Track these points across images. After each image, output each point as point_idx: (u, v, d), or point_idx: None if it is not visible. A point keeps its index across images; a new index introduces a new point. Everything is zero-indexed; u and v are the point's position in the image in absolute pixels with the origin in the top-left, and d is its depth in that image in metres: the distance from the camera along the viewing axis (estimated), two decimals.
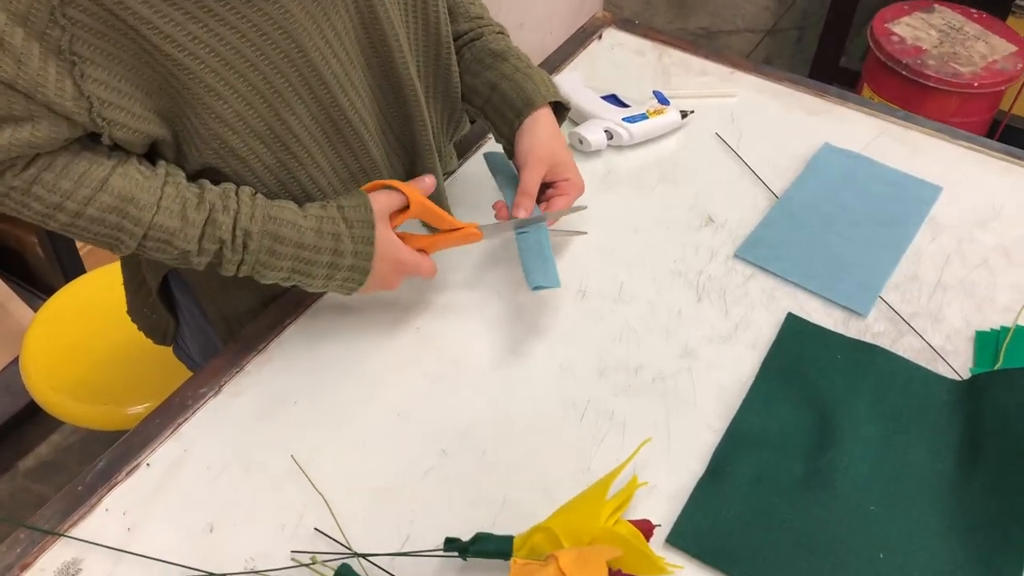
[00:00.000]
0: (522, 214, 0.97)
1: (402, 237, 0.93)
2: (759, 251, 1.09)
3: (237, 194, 0.86)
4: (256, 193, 0.87)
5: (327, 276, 0.89)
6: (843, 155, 1.21)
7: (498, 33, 1.09)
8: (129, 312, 1.19)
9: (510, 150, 1.04)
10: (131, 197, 0.82)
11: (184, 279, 1.04)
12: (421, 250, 0.94)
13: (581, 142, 1.20)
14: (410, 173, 1.02)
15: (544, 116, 1.02)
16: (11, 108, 0.74)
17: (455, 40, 1.06)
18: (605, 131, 1.20)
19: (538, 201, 1.01)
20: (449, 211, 1.08)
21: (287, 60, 0.83)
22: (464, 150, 1.22)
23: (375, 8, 0.88)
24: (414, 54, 0.97)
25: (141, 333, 1.48)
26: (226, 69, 0.80)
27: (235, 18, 0.79)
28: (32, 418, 1.84)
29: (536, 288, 0.92)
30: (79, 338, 1.48)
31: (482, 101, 1.06)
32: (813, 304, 1.03)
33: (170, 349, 1.27)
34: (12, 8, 0.72)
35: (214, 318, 1.04)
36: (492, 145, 1.22)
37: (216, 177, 0.87)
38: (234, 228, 0.85)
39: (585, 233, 1.06)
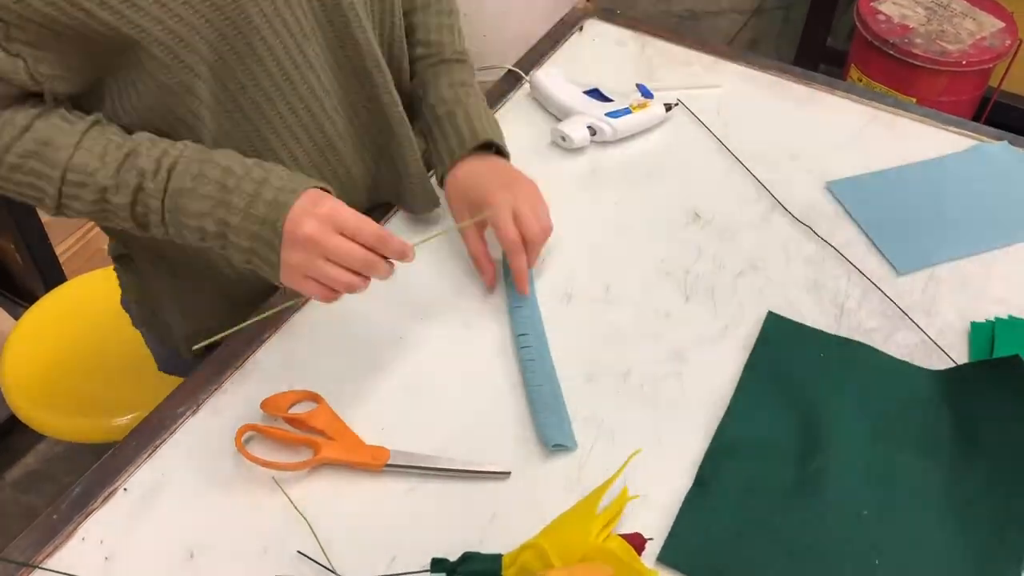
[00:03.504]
0: (524, 279, 0.96)
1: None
2: (850, 190, 1.12)
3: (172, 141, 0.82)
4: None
5: (241, 227, 0.80)
6: (1012, 156, 1.19)
7: (433, 66, 1.04)
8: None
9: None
10: (49, 140, 0.79)
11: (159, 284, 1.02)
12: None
13: (564, 139, 1.17)
14: (381, 148, 1.00)
15: (460, 169, 0.99)
16: None
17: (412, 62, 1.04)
18: (588, 127, 1.18)
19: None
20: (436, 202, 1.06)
21: (233, 29, 0.81)
22: None
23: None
24: (373, 26, 0.94)
25: (123, 342, 1.46)
26: (185, 41, 0.78)
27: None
28: (18, 428, 1.81)
29: (555, 447, 0.86)
30: (60, 349, 1.45)
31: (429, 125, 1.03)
32: (805, 300, 1.00)
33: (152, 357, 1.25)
34: None
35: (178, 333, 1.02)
36: None
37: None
38: (160, 157, 0.80)
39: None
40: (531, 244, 0.95)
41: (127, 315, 1.27)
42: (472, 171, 0.99)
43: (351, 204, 0.84)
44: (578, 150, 1.19)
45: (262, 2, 0.82)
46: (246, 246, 0.81)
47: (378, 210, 1.08)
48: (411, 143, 1.00)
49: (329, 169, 0.97)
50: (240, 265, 0.84)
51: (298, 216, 0.79)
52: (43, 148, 0.79)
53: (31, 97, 0.81)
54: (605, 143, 1.20)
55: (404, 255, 0.82)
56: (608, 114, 1.18)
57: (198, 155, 0.81)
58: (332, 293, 0.82)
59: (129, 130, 0.84)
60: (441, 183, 1.02)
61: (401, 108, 0.98)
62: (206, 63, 0.81)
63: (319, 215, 0.79)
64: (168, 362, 1.18)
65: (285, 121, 0.90)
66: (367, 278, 0.82)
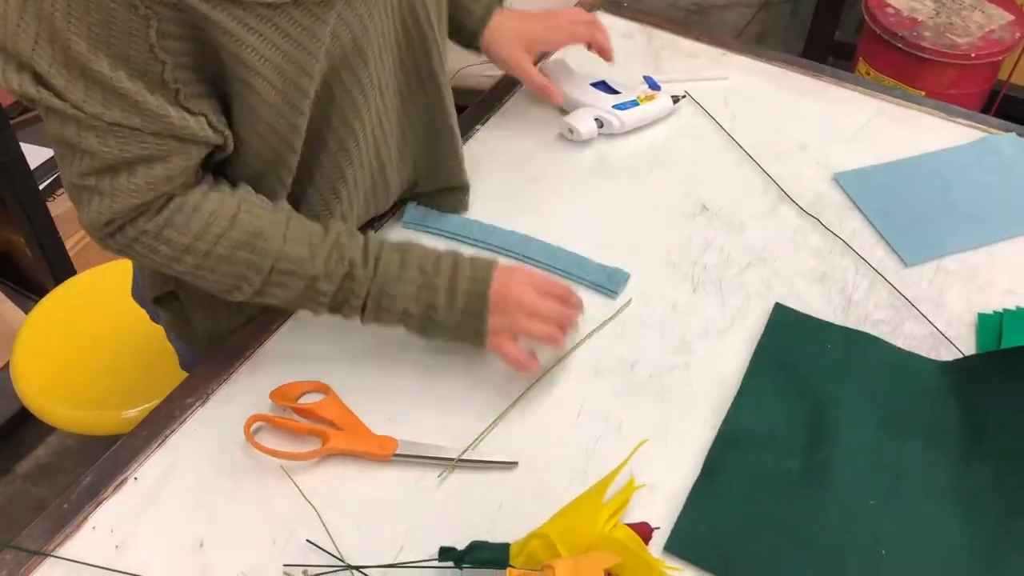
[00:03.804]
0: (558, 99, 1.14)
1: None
2: (858, 182, 1.13)
3: (359, 230, 0.88)
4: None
5: (448, 305, 0.86)
6: (1020, 149, 1.18)
7: None
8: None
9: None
10: (259, 231, 0.83)
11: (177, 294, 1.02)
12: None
13: (571, 131, 1.17)
14: (431, 153, 1.02)
15: (498, 18, 1.11)
16: (143, 148, 0.75)
17: None
18: (595, 119, 1.18)
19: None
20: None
21: (346, 69, 0.84)
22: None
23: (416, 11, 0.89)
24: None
25: (133, 334, 1.47)
26: (287, 84, 0.79)
27: (296, 30, 0.76)
28: (29, 421, 1.82)
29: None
30: (70, 341, 1.46)
31: None
32: (812, 291, 1.00)
33: (163, 350, 1.25)
34: (112, 52, 0.70)
35: (200, 336, 1.03)
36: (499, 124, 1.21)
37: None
38: (365, 247, 0.85)
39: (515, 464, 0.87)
40: (599, 30, 1.17)
41: (136, 309, 1.27)
42: (508, 16, 1.13)
43: (379, 211, 0.98)
44: (585, 142, 1.19)
45: (372, 36, 0.84)
46: (454, 322, 0.87)
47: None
48: (458, 152, 1.03)
49: (375, 189, 0.99)
50: (442, 341, 0.89)
51: (499, 284, 0.87)
52: (254, 240, 0.82)
53: (207, 174, 0.84)
54: (613, 135, 1.20)
55: (582, 308, 0.92)
56: (616, 106, 1.18)
57: (396, 245, 0.87)
58: (533, 360, 0.88)
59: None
60: (475, 39, 1.12)
61: (454, 113, 1.01)
62: (315, 91, 0.83)
63: (518, 279, 0.88)
64: (192, 363, 1.19)
65: (358, 147, 0.91)
66: (563, 332, 0.89)
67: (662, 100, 1.21)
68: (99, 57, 0.70)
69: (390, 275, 0.85)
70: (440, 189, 1.07)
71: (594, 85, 1.21)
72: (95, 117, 0.73)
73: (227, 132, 0.81)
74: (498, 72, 1.24)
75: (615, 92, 1.21)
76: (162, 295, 1.04)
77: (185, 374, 1.19)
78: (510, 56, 1.13)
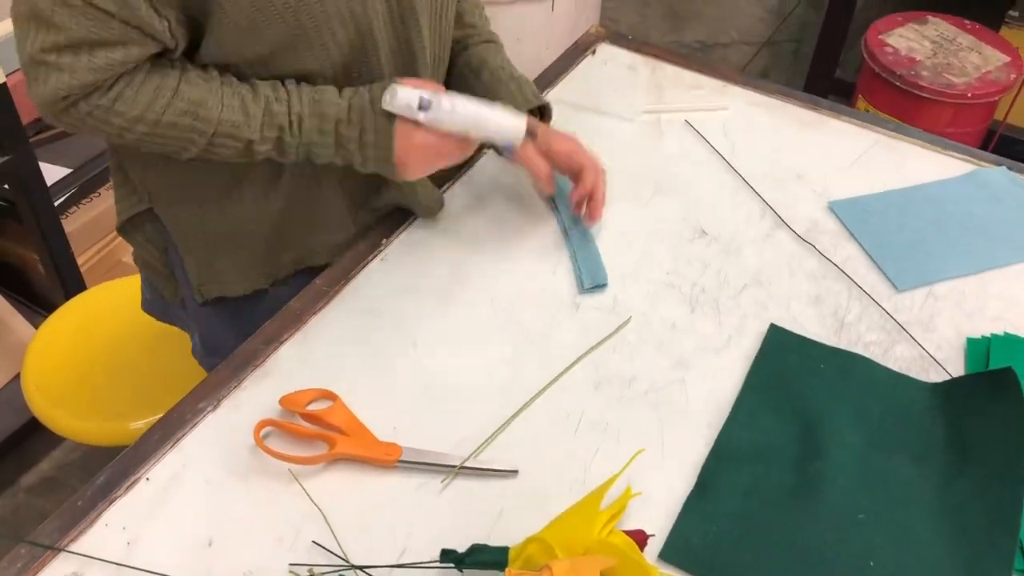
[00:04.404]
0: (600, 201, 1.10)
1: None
2: (853, 210, 1.16)
3: (284, 84, 0.95)
4: (299, 82, 0.96)
5: (361, 150, 0.96)
6: (1011, 181, 1.22)
7: (484, 43, 1.13)
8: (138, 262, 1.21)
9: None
10: (200, 100, 0.91)
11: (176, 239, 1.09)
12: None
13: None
14: None
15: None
16: (109, 32, 0.83)
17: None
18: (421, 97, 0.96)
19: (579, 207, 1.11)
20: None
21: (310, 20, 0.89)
22: None
23: None
24: (431, 41, 1.02)
25: (141, 349, 1.50)
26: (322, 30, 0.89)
27: None
28: (33, 434, 1.85)
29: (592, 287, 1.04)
30: (80, 354, 1.49)
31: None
32: (806, 313, 1.04)
33: (169, 363, 1.28)
34: None
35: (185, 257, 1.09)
36: None
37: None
38: (289, 113, 0.94)
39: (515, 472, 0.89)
40: (598, 176, 1.10)
41: (144, 324, 1.30)
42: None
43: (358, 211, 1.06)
44: None
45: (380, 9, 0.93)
46: (369, 170, 0.99)
47: (392, 216, 1.12)
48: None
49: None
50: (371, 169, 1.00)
51: (400, 145, 0.97)
52: (196, 108, 0.91)
53: (159, 56, 0.91)
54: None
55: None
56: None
57: (314, 108, 0.95)
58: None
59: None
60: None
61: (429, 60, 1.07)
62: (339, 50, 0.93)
63: (417, 140, 0.97)
64: (153, 305, 1.26)
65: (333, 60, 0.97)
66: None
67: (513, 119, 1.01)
68: None
69: (313, 140, 0.96)
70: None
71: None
72: None
73: (182, 43, 0.89)
74: None
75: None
76: (136, 216, 1.10)
77: (182, 382, 1.23)
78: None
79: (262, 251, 1.08)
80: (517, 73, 1.12)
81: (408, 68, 1.01)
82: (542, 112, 1.13)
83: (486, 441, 0.90)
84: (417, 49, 1.00)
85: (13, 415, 1.81)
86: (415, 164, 0.99)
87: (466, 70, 1.12)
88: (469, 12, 1.14)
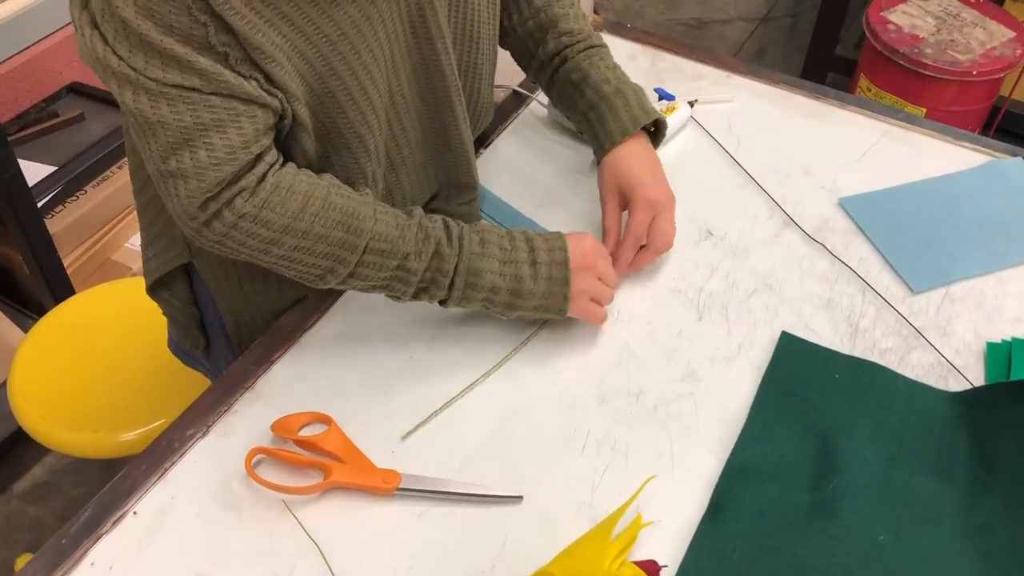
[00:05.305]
0: (623, 270, 1.01)
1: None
2: (864, 207, 1.12)
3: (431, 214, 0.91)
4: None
5: (533, 276, 0.90)
6: None
7: (584, 51, 1.07)
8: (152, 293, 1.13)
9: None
10: (352, 211, 0.85)
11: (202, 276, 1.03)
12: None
13: None
14: (446, 166, 1.03)
15: (639, 146, 1.03)
16: (211, 112, 0.78)
17: (550, 60, 1.08)
18: None
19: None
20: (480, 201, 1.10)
21: (344, 64, 0.84)
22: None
23: (424, 10, 0.89)
24: (456, 53, 0.97)
25: (132, 356, 1.46)
26: (296, 74, 0.82)
27: (303, 21, 0.80)
28: (26, 440, 1.81)
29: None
30: (68, 364, 1.45)
31: (579, 127, 1.09)
32: (818, 318, 1.00)
33: (162, 372, 1.24)
34: (157, 19, 0.74)
35: (224, 313, 1.04)
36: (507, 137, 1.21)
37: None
38: (446, 226, 0.89)
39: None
40: (654, 251, 1.02)
41: (136, 330, 1.26)
42: (630, 151, 1.03)
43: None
44: (589, 167, 1.18)
45: (367, 35, 0.84)
46: (541, 291, 0.91)
47: None
48: (472, 166, 1.04)
49: (397, 188, 1.00)
50: (532, 314, 0.93)
51: (574, 251, 0.92)
52: (349, 219, 0.85)
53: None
54: None
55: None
56: None
57: (473, 226, 0.91)
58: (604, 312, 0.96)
59: None
60: (599, 156, 1.06)
61: (471, 136, 1.02)
62: (316, 96, 0.85)
63: (588, 245, 0.94)
64: (179, 348, 1.19)
65: (376, 149, 0.92)
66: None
67: (682, 109, 1.21)
68: (147, 24, 0.74)
69: (474, 252, 0.88)
70: (452, 197, 1.07)
71: None
72: (158, 82, 0.76)
73: (280, 94, 0.82)
74: (507, 84, 1.24)
75: None
76: (168, 274, 1.04)
77: (174, 392, 1.19)
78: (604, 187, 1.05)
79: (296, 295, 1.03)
80: (624, 84, 1.06)
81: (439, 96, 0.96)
82: (656, 127, 1.07)
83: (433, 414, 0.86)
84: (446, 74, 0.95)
85: (3, 421, 1.77)
86: (590, 270, 0.94)
87: (569, 87, 1.07)
88: (563, 17, 1.08)
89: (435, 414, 0.90)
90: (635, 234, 1.00)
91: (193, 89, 0.77)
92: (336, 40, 0.83)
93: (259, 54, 0.78)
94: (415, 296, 0.90)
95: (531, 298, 0.91)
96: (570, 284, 0.92)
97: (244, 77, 0.79)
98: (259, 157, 0.82)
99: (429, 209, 1.09)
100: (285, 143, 0.87)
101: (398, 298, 0.90)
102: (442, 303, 0.91)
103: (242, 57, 0.78)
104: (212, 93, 0.78)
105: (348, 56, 0.84)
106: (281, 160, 0.85)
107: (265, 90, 0.80)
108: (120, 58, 0.76)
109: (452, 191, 1.06)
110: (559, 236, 0.93)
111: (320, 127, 0.88)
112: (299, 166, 0.88)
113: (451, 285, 0.89)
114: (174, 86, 0.76)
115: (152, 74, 0.76)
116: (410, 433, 0.88)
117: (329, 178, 0.87)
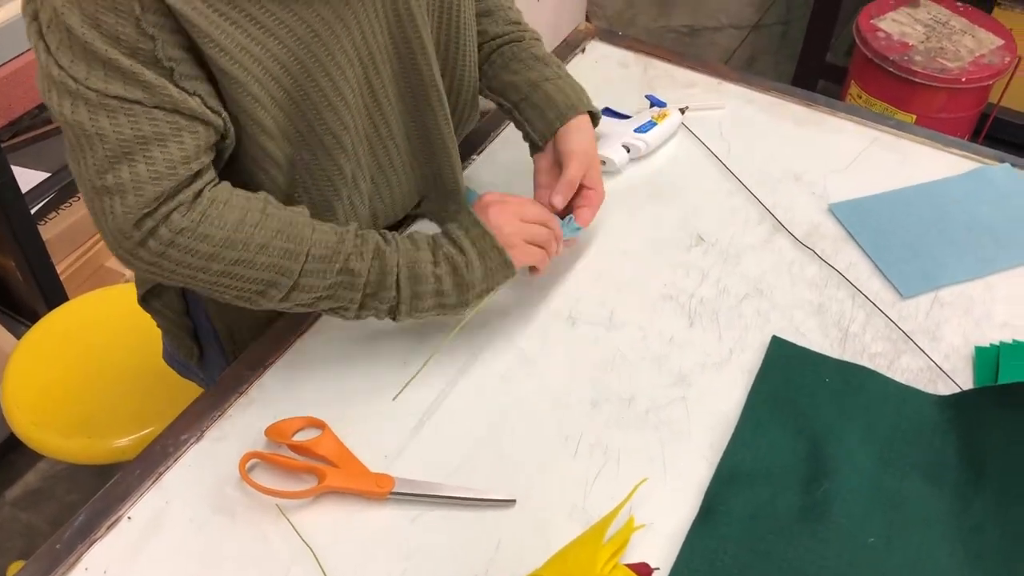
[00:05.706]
0: (558, 201, 1.00)
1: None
2: (854, 213, 1.13)
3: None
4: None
5: (462, 251, 0.90)
6: (1015, 179, 1.19)
7: (536, 39, 1.10)
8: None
9: (536, 147, 1.06)
10: (291, 219, 0.84)
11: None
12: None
13: (604, 163, 1.17)
14: (430, 169, 1.03)
15: (585, 122, 1.04)
16: (152, 125, 0.77)
17: (493, 39, 1.08)
18: (623, 146, 1.18)
19: (565, 210, 1.02)
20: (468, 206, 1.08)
21: (317, 65, 0.84)
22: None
23: (400, 12, 0.89)
24: (437, 53, 0.97)
25: (126, 362, 1.46)
26: (266, 77, 0.81)
27: (272, 22, 0.79)
28: (19, 446, 1.80)
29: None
30: (61, 370, 1.45)
31: (519, 97, 1.06)
32: (809, 323, 1.00)
33: (155, 378, 1.23)
34: (103, 30, 0.73)
35: (216, 322, 1.04)
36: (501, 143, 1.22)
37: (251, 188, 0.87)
38: (381, 233, 0.89)
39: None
40: (589, 200, 1.03)
41: (129, 336, 1.26)
42: (569, 127, 1.04)
43: (391, 221, 1.02)
44: None
45: (341, 36, 0.84)
46: (482, 269, 0.90)
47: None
48: (456, 164, 1.04)
49: (387, 190, 1.00)
50: (482, 297, 0.92)
51: (479, 210, 0.92)
52: (288, 228, 0.83)
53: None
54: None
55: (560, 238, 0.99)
56: (636, 130, 1.19)
57: (399, 232, 0.91)
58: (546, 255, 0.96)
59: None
60: (538, 142, 1.06)
61: (454, 138, 1.03)
62: (292, 99, 0.85)
63: (488, 197, 0.94)
64: (174, 359, 1.19)
65: (356, 150, 0.92)
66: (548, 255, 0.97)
67: (673, 115, 1.22)
68: (92, 33, 0.73)
69: (409, 247, 0.88)
70: (438, 203, 1.08)
71: (603, 112, 1.21)
72: (100, 93, 0.74)
73: (223, 113, 0.81)
74: (491, 105, 1.24)
75: (624, 116, 1.22)
76: (159, 284, 1.04)
77: (168, 398, 1.19)
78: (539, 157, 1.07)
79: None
80: (563, 74, 1.07)
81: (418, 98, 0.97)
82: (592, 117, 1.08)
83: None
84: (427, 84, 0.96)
85: None
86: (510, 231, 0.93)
87: (528, 58, 1.07)
88: (504, 7, 1.09)
89: (425, 363, 0.93)
90: (571, 181, 1.01)
91: (135, 102, 0.75)
92: (309, 41, 0.82)
93: (222, 55, 0.77)
94: (362, 306, 0.87)
95: (475, 280, 0.90)
96: (493, 235, 0.90)
97: (188, 93, 0.78)
98: (198, 174, 0.80)
99: (415, 216, 1.10)
100: (251, 153, 0.86)
101: (345, 311, 0.87)
102: (393, 311, 0.88)
103: (187, 74, 0.77)
104: (155, 107, 0.76)
105: (321, 57, 0.83)
106: (217, 179, 0.84)
107: (209, 107, 0.79)
108: (61, 67, 0.74)
109: (438, 196, 1.07)
110: (467, 214, 0.92)
111: (293, 128, 0.87)
112: (268, 174, 0.88)
113: (397, 285, 0.87)
114: (116, 97, 0.75)
115: (93, 84, 0.74)
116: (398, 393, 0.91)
117: (265, 194, 0.85)
